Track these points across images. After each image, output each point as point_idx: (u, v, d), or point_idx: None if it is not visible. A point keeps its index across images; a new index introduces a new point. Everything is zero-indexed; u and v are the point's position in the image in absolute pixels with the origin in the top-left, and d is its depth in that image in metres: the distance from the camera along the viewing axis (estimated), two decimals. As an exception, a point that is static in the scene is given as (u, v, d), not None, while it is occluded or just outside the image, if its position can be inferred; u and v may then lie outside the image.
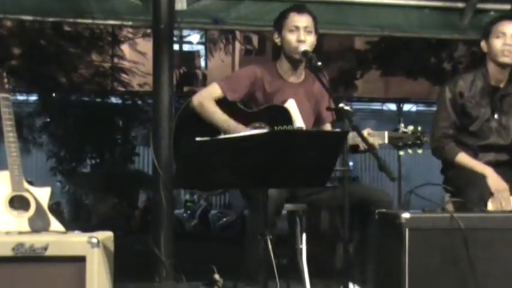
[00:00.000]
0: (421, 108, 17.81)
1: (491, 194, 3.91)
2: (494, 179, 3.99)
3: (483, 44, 4.20)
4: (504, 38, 4.10)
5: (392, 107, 18.22)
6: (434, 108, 4.39)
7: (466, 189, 3.91)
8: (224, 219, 14.17)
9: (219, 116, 3.91)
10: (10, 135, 3.67)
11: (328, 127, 4.08)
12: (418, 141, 3.91)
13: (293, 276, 3.75)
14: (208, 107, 3.94)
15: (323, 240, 7.26)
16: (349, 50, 13.97)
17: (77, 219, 13.84)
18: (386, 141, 3.88)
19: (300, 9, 4.03)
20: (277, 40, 4.05)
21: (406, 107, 18.00)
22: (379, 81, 16.48)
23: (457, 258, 3.23)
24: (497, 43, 4.12)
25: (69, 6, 5.57)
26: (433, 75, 13.04)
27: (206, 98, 3.97)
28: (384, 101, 18.41)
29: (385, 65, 13.48)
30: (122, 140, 14.77)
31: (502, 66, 4.15)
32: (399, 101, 17.81)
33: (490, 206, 3.84)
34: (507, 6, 6.01)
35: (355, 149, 3.76)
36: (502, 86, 4.21)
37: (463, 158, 4.12)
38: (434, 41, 11.53)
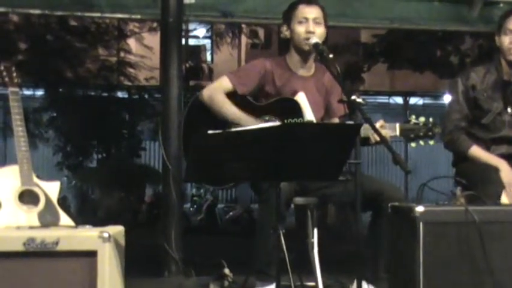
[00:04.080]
0: (428, 101, 17.79)
1: (504, 188, 3.87)
2: (507, 173, 3.96)
3: (497, 38, 4.16)
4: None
5: (399, 100, 18.21)
6: (441, 102, 4.39)
7: (480, 182, 3.88)
8: (231, 213, 14.13)
9: (229, 108, 3.88)
10: (19, 130, 3.65)
11: (335, 121, 4.05)
12: (430, 133, 3.88)
13: (303, 270, 3.72)
14: (218, 99, 3.91)
15: (331, 233, 7.23)
16: (355, 43, 13.94)
17: (84, 213, 13.81)
18: (398, 133, 3.85)
19: (309, 0, 4.00)
20: (287, 32, 4.02)
21: (413, 100, 17.98)
22: (385, 75, 16.43)
23: (471, 251, 3.19)
24: (505, 40, 4.09)
25: (77, 0, 5.55)
26: (439, 69, 13.01)
27: (216, 91, 3.94)
28: (390, 94, 18.39)
29: (392, 58, 13.45)
30: (128, 135, 14.74)
31: (511, 63, 4.12)
32: (405, 94, 17.78)
33: (504, 199, 3.81)
34: (517, -2, 5.97)
35: (365, 141, 3.73)
36: (514, 80, 4.18)
37: (476, 150, 4.10)
38: (441, 34, 11.50)
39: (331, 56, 3.63)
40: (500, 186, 3.88)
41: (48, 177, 3.74)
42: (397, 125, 3.86)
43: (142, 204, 14.70)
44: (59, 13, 6.03)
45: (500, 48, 4.13)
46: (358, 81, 13.87)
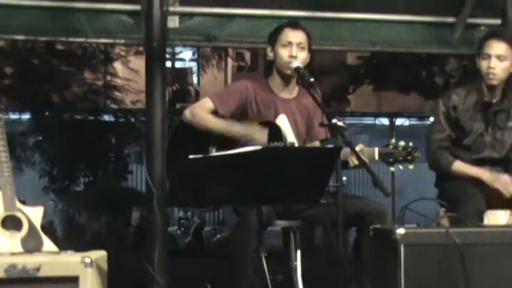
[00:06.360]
0: (414, 122, 17.84)
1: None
2: (489, 176, 4.07)
3: (477, 61, 4.20)
4: (489, 60, 4.11)
5: (385, 121, 18.24)
6: (427, 122, 4.41)
7: (461, 202, 3.91)
8: (218, 235, 14.14)
9: (212, 120, 3.92)
10: (2, 155, 3.64)
11: (316, 144, 4.07)
12: (409, 157, 3.88)
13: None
14: (200, 115, 3.95)
15: (317, 255, 7.23)
16: (341, 65, 14.02)
17: (70, 238, 13.74)
18: (376, 157, 3.86)
19: (295, 25, 4.05)
20: (270, 54, 4.07)
21: (399, 121, 18.03)
22: (371, 96, 16.49)
23: (452, 273, 3.21)
24: (483, 65, 4.13)
25: (62, 25, 5.55)
26: (425, 90, 13.10)
27: (197, 109, 3.99)
28: (377, 115, 18.45)
29: (377, 80, 13.53)
30: (114, 158, 14.71)
31: (490, 87, 4.16)
32: (392, 116, 17.84)
33: (486, 220, 3.82)
34: (497, 21, 6.02)
35: (344, 164, 3.74)
36: (494, 101, 4.21)
37: (459, 165, 4.15)
38: (426, 56, 11.58)
39: (312, 79, 3.67)
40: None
41: (35, 201, 3.73)
42: (376, 149, 3.87)
43: (129, 227, 14.65)
44: (43, 38, 6.03)
45: (480, 71, 4.17)
46: (344, 102, 13.95)
